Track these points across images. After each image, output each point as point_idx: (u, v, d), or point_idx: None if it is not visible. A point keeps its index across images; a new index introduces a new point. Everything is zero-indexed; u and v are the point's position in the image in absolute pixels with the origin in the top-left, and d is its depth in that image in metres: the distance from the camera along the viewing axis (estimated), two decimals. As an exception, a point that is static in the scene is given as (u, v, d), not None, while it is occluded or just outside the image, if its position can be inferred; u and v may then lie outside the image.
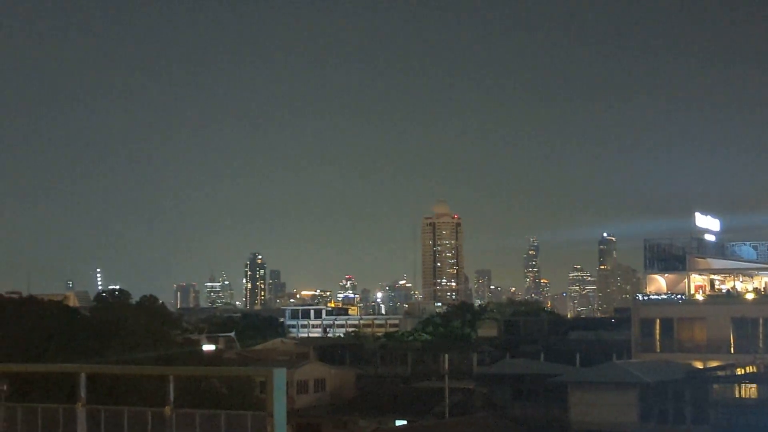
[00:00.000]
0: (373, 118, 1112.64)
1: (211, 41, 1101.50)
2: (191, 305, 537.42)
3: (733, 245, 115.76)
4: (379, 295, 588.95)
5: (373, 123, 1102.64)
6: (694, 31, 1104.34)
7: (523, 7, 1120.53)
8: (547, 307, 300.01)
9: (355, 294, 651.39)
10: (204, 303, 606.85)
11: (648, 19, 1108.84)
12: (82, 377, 26.92)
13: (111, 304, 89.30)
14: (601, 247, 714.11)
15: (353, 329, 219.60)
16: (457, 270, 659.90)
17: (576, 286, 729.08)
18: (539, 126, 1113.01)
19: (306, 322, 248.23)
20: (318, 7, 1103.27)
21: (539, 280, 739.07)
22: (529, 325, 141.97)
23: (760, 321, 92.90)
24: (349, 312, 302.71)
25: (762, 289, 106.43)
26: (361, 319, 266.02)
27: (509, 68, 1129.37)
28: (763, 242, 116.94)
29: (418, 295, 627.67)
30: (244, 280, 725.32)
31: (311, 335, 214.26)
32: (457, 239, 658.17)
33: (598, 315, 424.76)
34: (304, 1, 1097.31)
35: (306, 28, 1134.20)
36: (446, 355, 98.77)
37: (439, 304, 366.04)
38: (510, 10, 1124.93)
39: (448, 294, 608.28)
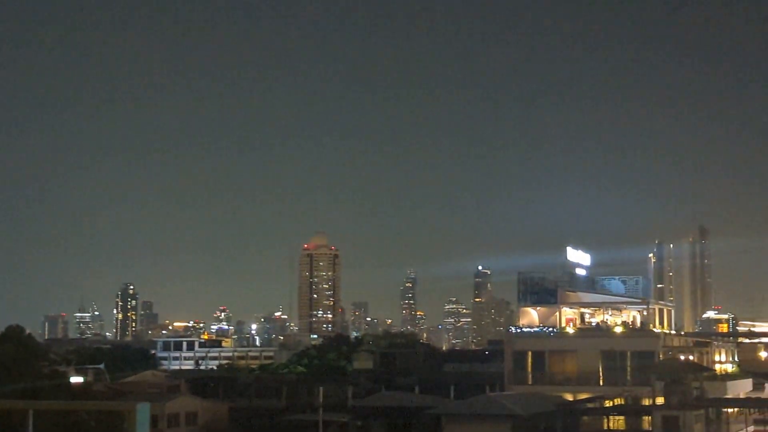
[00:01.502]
0: (251, 146, 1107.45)
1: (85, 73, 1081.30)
2: (60, 336, 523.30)
3: (602, 279, 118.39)
4: (254, 326, 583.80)
5: (251, 152, 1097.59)
6: (561, 69, 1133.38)
7: (391, 47, 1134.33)
8: (423, 340, 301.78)
9: (229, 326, 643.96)
10: (73, 334, 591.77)
11: (518, 60, 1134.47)
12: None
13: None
14: (477, 280, 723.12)
15: (227, 361, 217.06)
16: (333, 302, 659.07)
17: (451, 318, 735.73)
18: (417, 160, 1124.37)
19: (178, 354, 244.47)
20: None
21: (415, 312, 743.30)
22: (404, 358, 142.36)
23: (628, 354, 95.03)
24: (223, 344, 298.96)
25: (630, 323, 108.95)
26: (235, 351, 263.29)
27: (383, 100, 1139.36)
28: (632, 277, 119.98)
29: (293, 327, 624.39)
30: (115, 311, 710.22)
31: (183, 367, 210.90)
32: (334, 271, 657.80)
33: (473, 347, 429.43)
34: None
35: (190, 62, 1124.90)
36: (321, 388, 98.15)
37: (315, 336, 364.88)
38: (380, 49, 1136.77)
39: (325, 326, 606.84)
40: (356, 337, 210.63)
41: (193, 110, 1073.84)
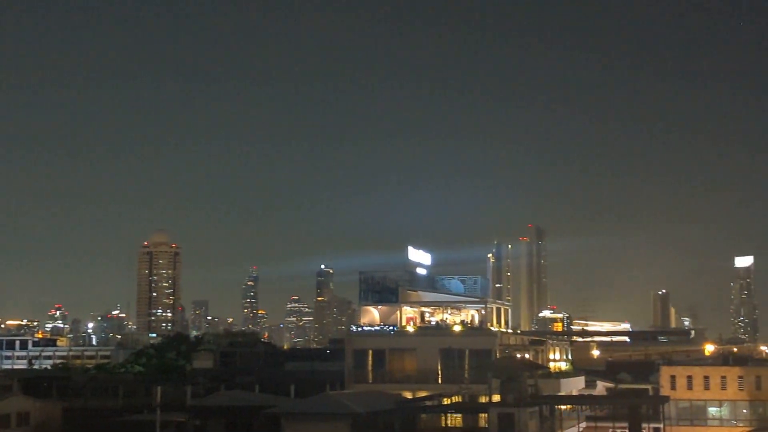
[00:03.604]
0: (92, 143, 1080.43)
1: None
2: None
3: (443, 279, 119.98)
4: (91, 325, 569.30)
5: (92, 148, 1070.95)
6: (401, 69, 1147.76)
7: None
8: (264, 338, 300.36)
9: (64, 324, 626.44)
10: None
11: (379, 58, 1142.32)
12: None
13: None
14: (319, 279, 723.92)
15: (61, 361, 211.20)
16: (173, 300, 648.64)
17: (293, 317, 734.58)
18: (259, 158, 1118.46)
19: (10, 353, 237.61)
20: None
21: (257, 311, 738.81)
22: (245, 357, 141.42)
23: (466, 352, 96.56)
24: (58, 343, 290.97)
25: (469, 322, 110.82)
26: (71, 350, 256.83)
27: (224, 98, 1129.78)
28: (471, 276, 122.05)
29: (132, 325, 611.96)
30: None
31: (16, 367, 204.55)
32: (174, 269, 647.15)
33: (314, 346, 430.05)
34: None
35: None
36: (159, 388, 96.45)
37: (154, 335, 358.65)
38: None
39: (164, 325, 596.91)
40: (196, 336, 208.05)
41: (32, 107, 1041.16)
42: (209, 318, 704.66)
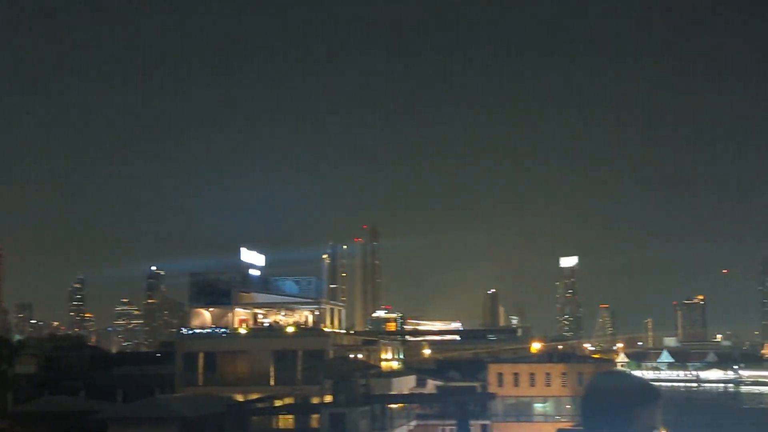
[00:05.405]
0: None
1: None
2: None
3: (276, 280, 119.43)
4: None
5: None
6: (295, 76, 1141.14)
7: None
8: (91, 342, 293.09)
9: None
10: None
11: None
12: None
13: None
14: (150, 280, 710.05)
15: None
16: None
17: (122, 320, 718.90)
18: (87, 159, 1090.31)
19: None
20: None
21: (84, 314, 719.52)
22: (70, 361, 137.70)
23: (299, 354, 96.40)
24: None
25: (303, 323, 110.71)
26: None
27: (76, 101, 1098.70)
28: (305, 277, 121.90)
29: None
30: None
31: None
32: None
33: (144, 349, 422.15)
34: None
35: None
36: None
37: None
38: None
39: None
40: (19, 340, 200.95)
41: None
42: (33, 322, 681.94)
